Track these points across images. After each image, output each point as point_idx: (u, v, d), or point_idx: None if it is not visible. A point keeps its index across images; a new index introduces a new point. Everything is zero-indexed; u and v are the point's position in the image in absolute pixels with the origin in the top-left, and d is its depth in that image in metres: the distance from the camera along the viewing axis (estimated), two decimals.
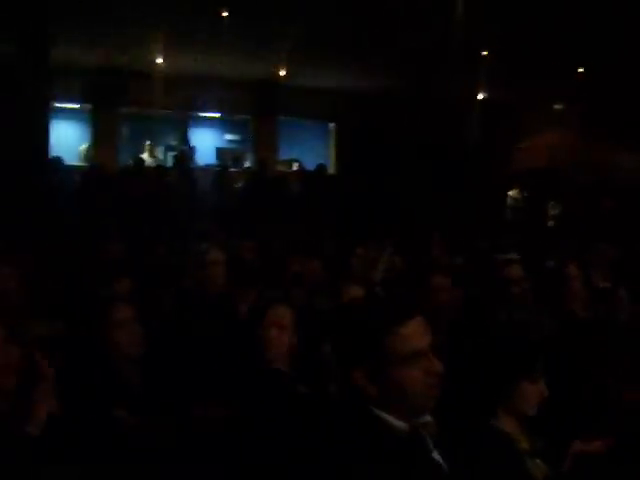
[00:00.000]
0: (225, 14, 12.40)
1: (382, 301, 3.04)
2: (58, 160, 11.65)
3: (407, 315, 2.73)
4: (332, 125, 20.62)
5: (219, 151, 18.98)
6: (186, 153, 16.89)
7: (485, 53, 14.53)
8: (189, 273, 6.35)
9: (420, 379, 2.71)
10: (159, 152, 17.50)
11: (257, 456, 3.77)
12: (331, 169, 19.00)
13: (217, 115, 19.52)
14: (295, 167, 18.08)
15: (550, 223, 16.81)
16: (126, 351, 4.27)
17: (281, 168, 18.00)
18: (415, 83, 16.41)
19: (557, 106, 19.07)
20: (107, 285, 5.99)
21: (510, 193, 18.07)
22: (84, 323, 4.60)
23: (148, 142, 17.31)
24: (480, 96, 17.61)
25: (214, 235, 8.27)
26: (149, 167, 14.87)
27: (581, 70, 15.45)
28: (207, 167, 16.98)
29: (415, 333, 2.73)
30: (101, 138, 17.30)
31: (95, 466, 3.57)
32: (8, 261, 5.80)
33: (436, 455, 2.81)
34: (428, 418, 2.80)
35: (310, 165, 16.80)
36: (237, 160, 18.25)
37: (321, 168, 15.52)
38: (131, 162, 14.97)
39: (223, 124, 20.07)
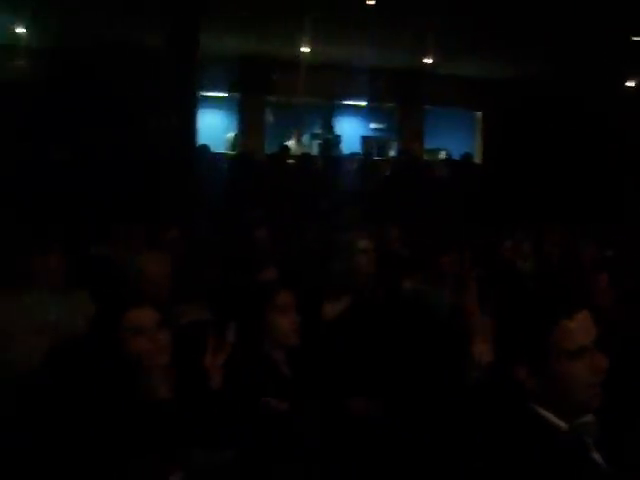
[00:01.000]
0: (371, 2, 12.33)
1: (547, 294, 2.92)
2: (205, 148, 11.81)
3: (574, 308, 2.62)
4: (479, 114, 20.30)
5: (364, 140, 18.95)
6: (331, 141, 16.90)
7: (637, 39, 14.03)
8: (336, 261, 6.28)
9: (585, 375, 2.61)
10: (305, 140, 17.57)
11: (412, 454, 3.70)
12: (477, 158, 18.75)
13: (362, 103, 19.47)
14: (442, 156, 17.86)
15: None
16: (283, 339, 4.24)
17: (427, 157, 17.81)
18: (566, 70, 16.02)
19: None
20: (254, 273, 6.03)
21: None
22: (236, 308, 4.58)
23: (295, 130, 17.40)
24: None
25: (361, 223, 8.19)
26: (295, 155, 14.93)
27: None
28: (352, 155, 16.94)
29: (581, 327, 2.63)
30: (248, 126, 17.50)
31: (244, 451, 3.56)
32: (160, 246, 5.88)
33: (596, 456, 2.68)
34: (590, 417, 2.67)
35: (456, 154, 16.58)
36: (382, 149, 18.18)
37: (467, 157, 15.28)
38: (277, 150, 15.08)
39: (368, 112, 20.01)
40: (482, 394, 3.96)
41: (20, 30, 14.20)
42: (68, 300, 4.96)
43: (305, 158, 13.27)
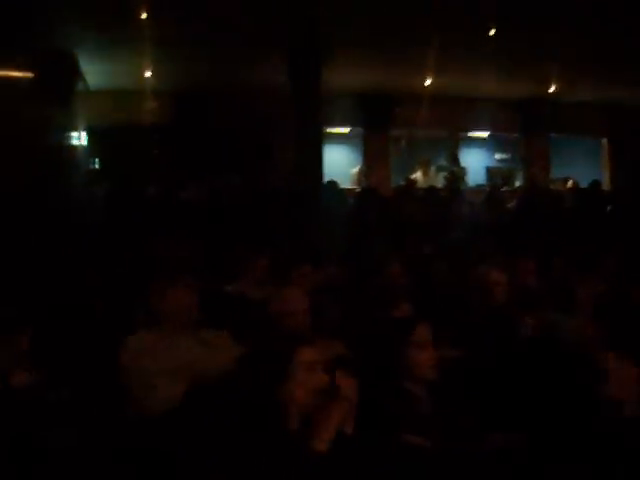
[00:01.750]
0: (492, 32, 12.24)
1: None
2: (334, 184, 11.87)
3: None
4: (604, 140, 19.88)
5: (489, 170, 18.79)
6: (457, 173, 16.80)
7: None
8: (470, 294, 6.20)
9: None
10: (431, 172, 17.51)
11: None
12: (605, 185, 18.33)
13: (486, 134, 19.33)
14: (570, 184, 17.52)
15: None
16: (422, 374, 4.18)
17: (555, 186, 17.49)
18: None
19: None
20: (389, 308, 5.99)
21: None
22: (372, 344, 4.55)
23: (420, 162, 17.36)
24: None
25: (492, 256, 8.07)
26: (421, 188, 14.88)
27: None
28: (478, 187, 16.79)
29: None
30: (373, 160, 17.53)
31: None
32: (292, 282, 5.88)
33: None
34: None
35: (583, 182, 16.23)
36: (507, 179, 17.98)
37: (595, 184, 14.92)
38: (403, 183, 15.07)
39: (492, 143, 19.85)
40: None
41: (148, 75, 14.57)
42: (203, 339, 4.96)
43: (432, 191, 13.19)
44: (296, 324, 4.77)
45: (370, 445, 3.58)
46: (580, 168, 18.52)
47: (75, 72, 13.21)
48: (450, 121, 17.71)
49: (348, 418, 3.47)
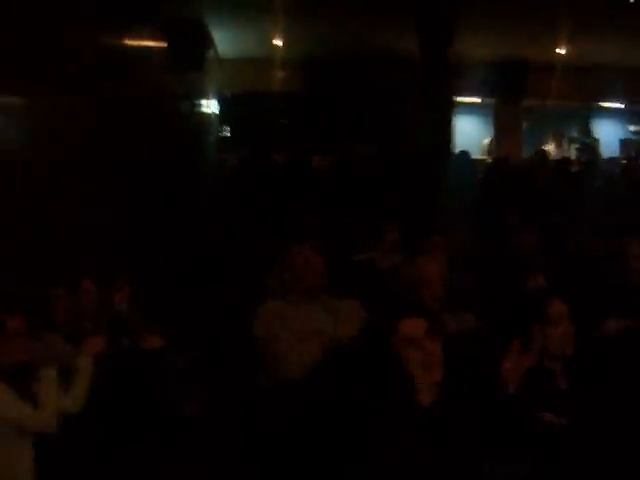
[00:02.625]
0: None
1: None
2: (464, 154, 11.69)
3: None
4: None
5: (623, 143, 18.25)
6: (589, 145, 16.39)
7: None
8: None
9: None
10: (563, 144, 17.15)
11: None
12: None
13: (621, 106, 18.75)
14: None
15: None
16: (558, 349, 4.05)
17: None
18: None
19: None
20: (522, 281, 5.85)
21: None
22: (504, 317, 4.44)
23: (554, 134, 17.01)
24: None
25: (633, 228, 7.79)
26: (553, 160, 14.55)
27: None
28: (612, 160, 16.31)
29: None
30: (504, 131, 17.27)
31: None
32: (424, 253, 5.80)
33: None
34: None
35: None
36: None
37: None
38: (535, 154, 14.77)
39: (627, 115, 19.27)
40: None
41: (278, 42, 14.62)
42: (333, 307, 4.93)
43: (564, 162, 12.85)
44: (429, 295, 4.67)
45: (504, 422, 3.49)
46: None
47: (206, 40, 13.31)
48: (584, 91, 17.24)
49: None
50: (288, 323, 4.75)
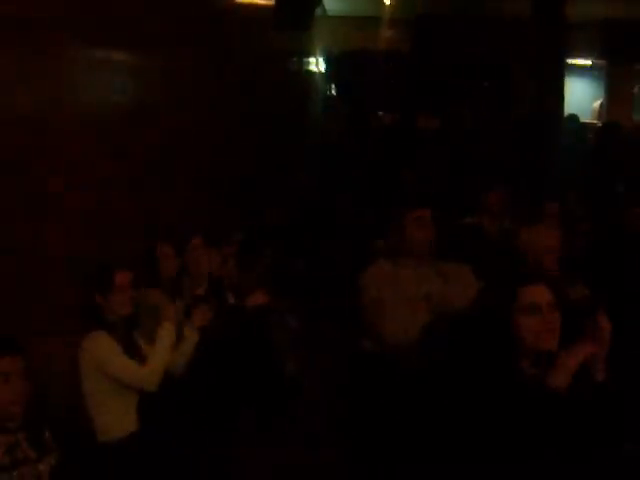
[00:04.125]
0: None
1: None
2: (574, 118, 11.45)
3: None
4: None
5: None
6: None
7: None
8: None
9: None
10: None
11: None
12: None
13: None
14: None
15: None
16: None
17: None
18: None
19: None
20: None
21: None
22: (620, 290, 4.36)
23: None
24: None
25: None
26: None
27: None
28: None
29: None
30: (615, 95, 16.89)
31: None
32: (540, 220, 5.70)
33: None
34: None
35: None
36: None
37: None
38: None
39: None
40: None
41: (387, 1, 14.51)
42: (443, 271, 4.89)
43: None
44: (550, 263, 4.61)
45: (620, 396, 3.43)
46: None
47: None
48: None
49: (600, 363, 3.31)
50: (397, 286, 4.70)
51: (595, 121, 15.41)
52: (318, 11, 14.13)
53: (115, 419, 4.25)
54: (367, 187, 7.98)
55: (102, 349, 4.20)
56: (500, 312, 3.40)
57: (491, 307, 3.58)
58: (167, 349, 4.34)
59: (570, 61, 16.17)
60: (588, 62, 17.61)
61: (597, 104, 16.77)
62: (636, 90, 17.34)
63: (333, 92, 16.06)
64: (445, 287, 4.73)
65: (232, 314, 4.99)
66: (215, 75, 7.30)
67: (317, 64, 15.91)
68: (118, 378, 4.20)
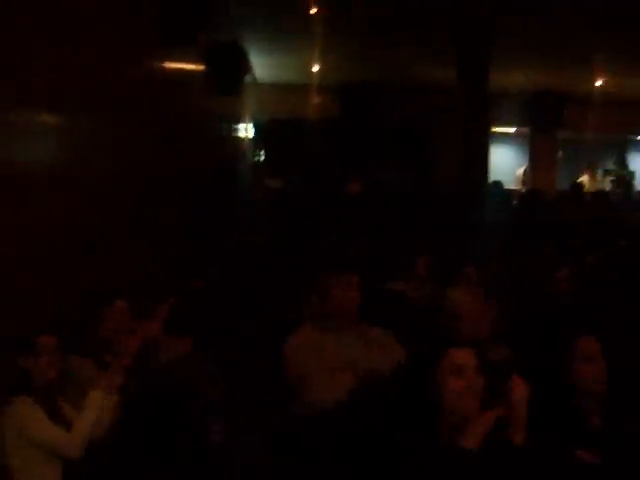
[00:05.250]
0: None
1: None
2: (499, 184, 11.68)
3: None
4: None
5: None
6: (625, 177, 16.34)
7: None
8: None
9: None
10: (598, 176, 17.11)
11: None
12: None
13: None
14: None
15: None
16: (589, 387, 4.03)
17: None
18: None
19: None
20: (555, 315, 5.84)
21: None
22: (542, 352, 4.43)
23: (588, 165, 16.97)
24: None
25: None
26: (588, 192, 14.50)
27: None
28: None
29: None
30: (539, 162, 17.28)
31: None
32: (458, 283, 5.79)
33: None
34: None
35: None
36: None
37: None
38: (569, 186, 14.73)
39: None
40: None
41: (315, 69, 14.70)
42: (367, 337, 4.91)
43: (600, 195, 12.82)
44: (469, 326, 4.66)
45: (539, 458, 3.45)
46: None
47: (244, 65, 13.43)
48: (620, 124, 17.24)
49: (518, 426, 3.34)
50: (321, 353, 4.69)
51: (519, 187, 15.71)
52: (248, 78, 14.28)
53: None
54: (294, 254, 7.99)
55: (25, 414, 4.11)
56: (424, 375, 3.43)
57: (415, 370, 3.61)
58: (93, 417, 4.26)
59: (496, 129, 16.54)
60: (512, 130, 18.00)
61: (521, 171, 17.12)
62: (559, 157, 17.76)
63: (262, 158, 16.20)
64: (369, 352, 4.73)
65: (154, 378, 4.91)
66: (143, 140, 7.29)
67: (247, 130, 16.01)
68: (41, 444, 4.11)
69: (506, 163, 17.61)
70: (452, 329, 4.67)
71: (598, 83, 14.70)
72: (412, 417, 3.42)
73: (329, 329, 4.83)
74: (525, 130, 17.69)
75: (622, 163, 17.76)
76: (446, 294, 5.14)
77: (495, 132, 16.71)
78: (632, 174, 17.31)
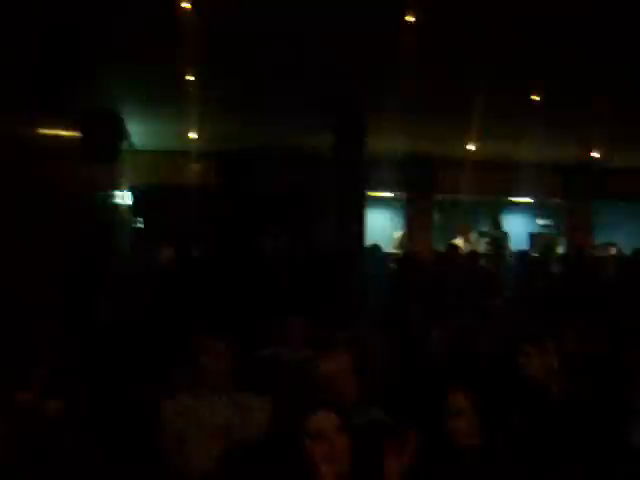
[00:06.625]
0: (536, 97, 12.22)
1: None
2: (376, 247, 11.84)
3: None
4: None
5: (532, 237, 18.68)
6: (499, 239, 16.72)
7: None
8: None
9: None
10: (473, 238, 17.46)
11: None
12: None
13: (529, 200, 19.25)
14: (613, 251, 17.32)
15: None
16: (462, 441, 4.11)
17: (598, 253, 17.30)
18: None
19: None
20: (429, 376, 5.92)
21: None
22: (415, 412, 4.49)
23: (462, 228, 17.32)
24: None
25: (535, 323, 7.96)
26: (463, 253, 14.81)
27: None
28: (521, 253, 16.67)
29: None
30: (415, 225, 17.57)
31: None
32: (334, 347, 5.82)
33: None
34: None
35: (629, 249, 16.01)
36: (550, 246, 17.86)
37: (637, 252, 14.67)
38: (445, 248, 15.02)
39: (535, 209, 19.78)
40: None
41: (194, 136, 14.70)
42: (240, 402, 4.93)
43: (473, 256, 13.12)
44: (336, 390, 4.68)
45: None
46: (625, 234, 18.29)
47: (120, 132, 13.38)
48: (493, 186, 17.68)
49: None
50: (194, 419, 4.73)
51: (397, 250, 15.93)
52: (125, 145, 14.21)
53: None
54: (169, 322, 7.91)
55: None
56: (292, 439, 3.45)
57: (284, 435, 3.62)
58: None
59: (374, 193, 16.79)
60: (391, 194, 18.27)
61: (399, 234, 17.37)
62: (435, 220, 18.10)
63: (139, 225, 16.06)
64: (242, 417, 4.77)
65: None
66: (15, 205, 7.16)
67: (124, 197, 15.88)
68: None
69: (386, 227, 17.85)
70: (318, 393, 4.69)
71: (472, 147, 15.03)
72: None
73: (201, 394, 4.87)
74: (403, 194, 18.01)
75: (496, 224, 18.20)
76: (322, 358, 5.15)
77: (375, 196, 16.94)
78: (506, 235, 17.74)
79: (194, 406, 4.82)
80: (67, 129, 10.25)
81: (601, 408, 5.20)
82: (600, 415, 5.08)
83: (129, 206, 16.08)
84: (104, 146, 12.14)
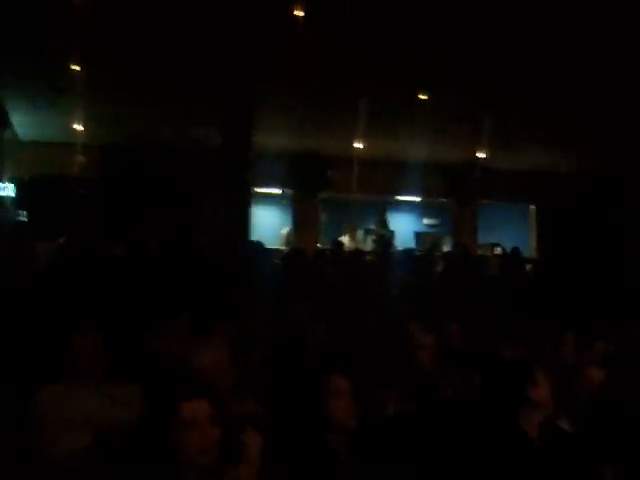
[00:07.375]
0: (423, 97, 12.41)
1: None
2: (258, 244, 11.84)
3: None
4: (532, 207, 20.21)
5: (418, 235, 18.93)
6: (385, 237, 16.87)
7: None
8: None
9: None
10: (359, 236, 17.60)
11: None
12: (532, 252, 18.64)
13: (416, 199, 19.50)
14: (497, 251, 17.68)
15: None
16: (340, 423, 4.19)
17: (482, 252, 17.65)
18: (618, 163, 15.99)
19: None
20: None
21: None
22: (291, 397, 4.54)
23: (348, 226, 17.44)
24: None
25: (418, 319, 8.08)
26: (347, 251, 14.92)
27: None
28: (407, 251, 16.87)
29: None
30: (302, 222, 17.63)
31: None
32: (211, 339, 5.82)
33: None
34: None
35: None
36: (436, 245, 18.11)
37: (515, 252, 15.06)
38: (330, 245, 15.10)
39: (421, 208, 20.06)
40: None
41: (78, 127, 14.46)
42: (109, 393, 4.92)
43: (357, 254, 13.23)
44: (212, 379, 4.68)
45: None
46: (509, 234, 18.68)
47: (3, 121, 13.10)
48: (380, 185, 17.85)
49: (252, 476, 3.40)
50: (59, 410, 4.70)
51: (283, 247, 15.96)
52: (7, 134, 13.90)
53: None
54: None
55: None
56: (161, 428, 3.43)
57: (153, 423, 3.60)
58: None
59: (262, 190, 16.79)
60: (280, 191, 18.31)
61: (285, 231, 17.42)
62: (322, 218, 18.18)
63: (24, 217, 15.70)
64: (110, 409, 4.76)
65: None
66: None
67: (7, 189, 15.53)
68: None
69: (274, 223, 17.88)
70: (196, 382, 4.68)
71: (359, 146, 15.14)
72: (153, 474, 3.40)
73: (72, 385, 4.87)
74: (290, 192, 18.07)
75: (383, 223, 18.37)
76: (196, 348, 5.15)
77: (262, 193, 16.96)
78: (392, 233, 17.91)
79: (64, 397, 4.80)
80: None
81: (489, 400, 5.34)
82: (489, 407, 5.20)
83: (12, 198, 15.74)
84: None
